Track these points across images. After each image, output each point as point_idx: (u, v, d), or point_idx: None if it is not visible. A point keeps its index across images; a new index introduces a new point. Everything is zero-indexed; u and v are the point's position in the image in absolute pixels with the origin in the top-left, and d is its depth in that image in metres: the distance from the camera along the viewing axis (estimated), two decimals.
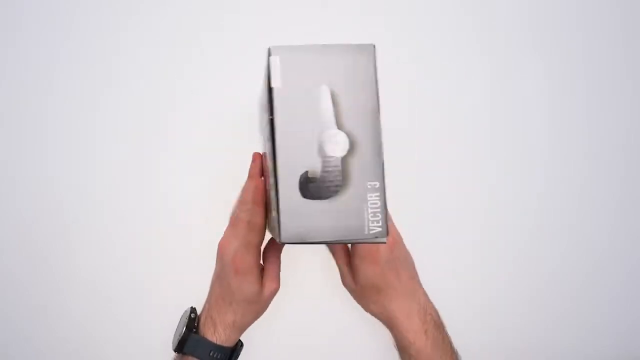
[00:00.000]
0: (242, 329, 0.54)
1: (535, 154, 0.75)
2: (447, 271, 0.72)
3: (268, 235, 0.52)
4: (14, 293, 0.73)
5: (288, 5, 0.71)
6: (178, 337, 0.52)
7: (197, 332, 0.52)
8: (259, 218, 0.49)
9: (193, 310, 0.54)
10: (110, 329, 0.72)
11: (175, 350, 0.52)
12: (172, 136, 0.72)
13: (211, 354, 0.51)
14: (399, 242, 0.54)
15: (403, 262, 0.54)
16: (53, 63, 0.72)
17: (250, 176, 0.52)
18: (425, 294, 0.55)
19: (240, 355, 0.56)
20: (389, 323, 0.53)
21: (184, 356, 0.52)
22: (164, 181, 0.69)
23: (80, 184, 0.73)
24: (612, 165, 0.75)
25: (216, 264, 0.53)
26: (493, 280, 0.74)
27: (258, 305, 0.53)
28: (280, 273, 0.55)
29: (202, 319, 0.53)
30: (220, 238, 0.52)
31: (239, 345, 0.55)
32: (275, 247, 0.55)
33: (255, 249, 0.50)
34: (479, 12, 0.74)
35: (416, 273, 0.56)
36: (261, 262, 0.54)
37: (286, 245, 0.54)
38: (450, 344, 0.54)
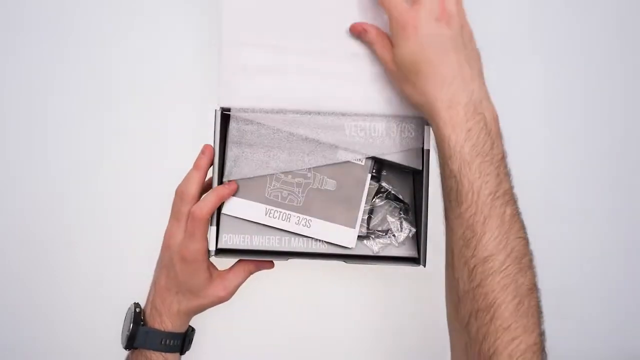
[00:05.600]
0: (188, 316, 0.55)
1: (534, 154, 0.75)
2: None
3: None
4: (14, 293, 0.73)
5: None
6: (127, 334, 0.52)
7: (144, 325, 0.53)
8: (202, 210, 0.50)
9: (137, 305, 0.55)
10: (110, 329, 0.72)
11: (126, 348, 0.53)
12: (173, 135, 0.73)
13: (162, 342, 0.52)
14: (454, 17, 0.46)
15: (455, 42, 0.46)
16: (53, 63, 0.72)
17: (196, 167, 0.53)
18: (484, 89, 0.47)
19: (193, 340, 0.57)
20: (429, 114, 0.46)
21: (136, 351, 0.53)
22: (167, 181, 0.70)
23: (80, 184, 0.73)
24: (612, 165, 0.75)
25: (162, 255, 0.54)
26: None
27: (201, 300, 0.53)
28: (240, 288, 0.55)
29: (148, 311, 0.54)
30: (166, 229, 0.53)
31: (189, 330, 0.56)
32: (248, 263, 0.56)
33: (201, 238, 0.51)
34: (478, 13, 0.74)
35: (478, 63, 0.48)
36: (220, 268, 0.55)
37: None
38: (502, 158, 0.45)
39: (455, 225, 0.44)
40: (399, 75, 0.48)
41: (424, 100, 0.46)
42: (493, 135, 0.45)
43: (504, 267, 0.42)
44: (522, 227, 0.45)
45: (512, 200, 0.45)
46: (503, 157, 0.45)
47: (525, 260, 0.44)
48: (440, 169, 0.47)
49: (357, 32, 0.52)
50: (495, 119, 0.46)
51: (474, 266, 0.43)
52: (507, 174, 0.45)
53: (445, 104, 0.45)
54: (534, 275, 0.44)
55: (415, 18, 0.46)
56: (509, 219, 0.44)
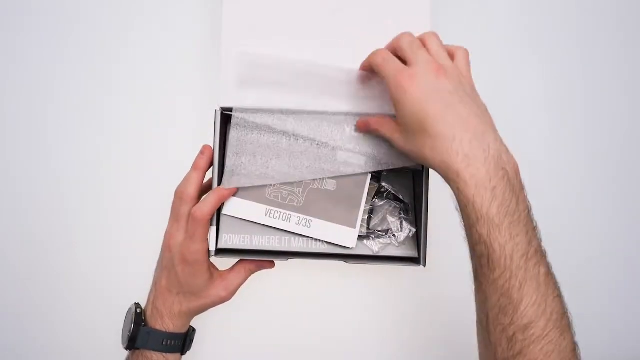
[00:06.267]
0: (190, 317, 0.55)
1: (534, 154, 0.75)
2: (449, 273, 0.73)
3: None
4: (14, 293, 0.73)
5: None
6: (128, 334, 0.52)
7: (145, 326, 0.53)
8: (202, 211, 0.50)
9: (138, 305, 0.55)
10: (110, 329, 0.72)
11: (127, 348, 0.53)
12: (173, 135, 0.73)
13: (164, 343, 0.52)
14: (450, 70, 0.45)
15: (458, 95, 0.44)
16: (53, 63, 0.72)
17: (194, 168, 0.53)
18: (500, 141, 0.43)
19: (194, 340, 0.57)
20: (446, 174, 0.42)
21: (137, 351, 0.53)
22: (167, 181, 0.70)
23: (80, 184, 0.73)
24: (612, 165, 0.75)
25: (162, 255, 0.54)
26: None
27: (202, 300, 0.54)
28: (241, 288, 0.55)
29: (149, 312, 0.54)
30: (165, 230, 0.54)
31: (190, 330, 0.56)
32: (249, 263, 0.56)
33: (202, 239, 0.51)
34: (477, 13, 0.74)
35: (486, 114, 0.45)
36: (220, 268, 0.56)
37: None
38: (528, 212, 0.42)
39: (489, 292, 0.42)
40: (407, 138, 0.45)
41: (438, 159, 0.42)
42: (517, 190, 0.42)
43: (545, 333, 0.40)
44: (557, 284, 0.43)
45: (543, 257, 0.42)
46: (529, 212, 0.43)
47: (564, 320, 0.42)
48: (466, 232, 0.43)
49: (364, 128, 0.52)
50: (517, 173, 0.43)
51: (514, 334, 0.40)
52: (535, 229, 0.42)
53: (462, 162, 0.41)
54: (573, 334, 0.42)
55: (412, 75, 0.44)
56: (544, 279, 0.41)
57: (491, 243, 0.41)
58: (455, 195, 0.42)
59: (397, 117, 0.46)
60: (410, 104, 0.43)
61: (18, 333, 0.73)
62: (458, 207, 0.43)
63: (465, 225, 0.43)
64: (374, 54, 0.49)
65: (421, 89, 0.43)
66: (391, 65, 0.46)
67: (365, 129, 0.52)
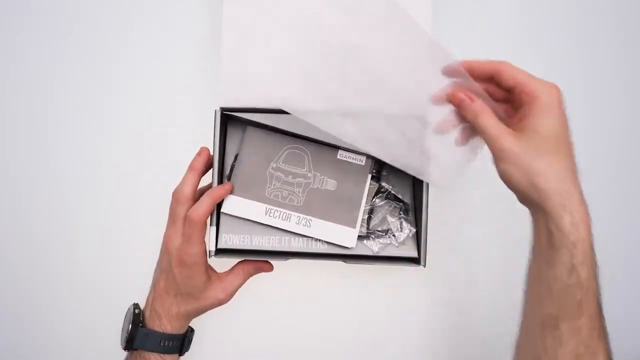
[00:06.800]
0: (188, 318, 0.55)
1: None
2: (449, 273, 0.73)
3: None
4: (14, 293, 0.73)
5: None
6: (126, 335, 0.53)
7: (143, 327, 0.53)
8: (198, 212, 0.50)
9: (136, 306, 0.55)
10: (110, 329, 0.72)
11: (125, 349, 0.53)
12: (173, 135, 0.73)
13: (162, 344, 0.52)
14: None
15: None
16: (53, 63, 0.73)
17: (190, 168, 0.53)
18: None
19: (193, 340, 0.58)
20: (559, 204, 0.39)
21: (135, 352, 0.53)
22: (167, 181, 0.70)
23: (80, 184, 0.73)
24: (613, 165, 0.75)
25: (161, 257, 0.54)
26: (492, 280, 0.74)
27: (200, 302, 0.54)
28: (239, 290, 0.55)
29: (147, 313, 0.54)
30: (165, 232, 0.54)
31: (189, 331, 0.57)
32: (247, 265, 0.56)
33: (199, 242, 0.51)
34: (477, 13, 0.74)
35: None
36: (219, 271, 0.56)
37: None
38: None
39: (566, 338, 0.39)
40: (527, 148, 0.40)
41: (561, 186, 0.39)
42: None
43: None
44: None
45: None
46: None
47: None
48: (559, 271, 0.39)
49: (459, 101, 0.44)
50: None
51: None
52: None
53: (580, 197, 0.39)
54: None
55: (559, 94, 0.42)
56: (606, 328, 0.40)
57: (588, 287, 0.38)
58: (563, 229, 0.39)
59: (526, 125, 0.41)
60: (555, 118, 0.40)
61: (18, 333, 0.73)
62: (557, 243, 0.39)
63: (562, 265, 0.39)
64: (503, 63, 0.44)
65: (563, 112, 0.40)
66: (528, 75, 0.43)
67: (462, 103, 0.44)
